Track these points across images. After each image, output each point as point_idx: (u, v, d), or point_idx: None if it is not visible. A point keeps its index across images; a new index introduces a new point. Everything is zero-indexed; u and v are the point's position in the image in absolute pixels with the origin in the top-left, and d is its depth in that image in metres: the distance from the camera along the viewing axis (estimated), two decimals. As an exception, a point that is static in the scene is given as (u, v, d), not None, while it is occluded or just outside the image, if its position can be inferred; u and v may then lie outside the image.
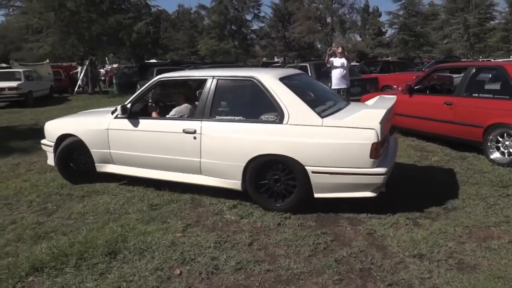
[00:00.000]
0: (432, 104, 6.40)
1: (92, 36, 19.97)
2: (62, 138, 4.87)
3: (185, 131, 4.10)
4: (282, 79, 4.03)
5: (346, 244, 3.23)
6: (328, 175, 3.63)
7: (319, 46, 47.55)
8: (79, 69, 21.54)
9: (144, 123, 4.41)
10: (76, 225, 3.68)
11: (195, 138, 4.05)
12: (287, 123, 3.74)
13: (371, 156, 3.48)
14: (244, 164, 3.86)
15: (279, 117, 3.79)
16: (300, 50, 45.41)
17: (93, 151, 4.66)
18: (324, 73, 10.49)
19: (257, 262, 2.95)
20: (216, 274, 2.83)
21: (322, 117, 3.71)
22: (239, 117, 4.09)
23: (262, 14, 44.17)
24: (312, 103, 3.89)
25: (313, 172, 3.65)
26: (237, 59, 38.27)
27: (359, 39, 47.17)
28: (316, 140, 3.62)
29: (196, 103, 4.56)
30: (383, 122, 3.59)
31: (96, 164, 4.71)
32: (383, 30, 48.50)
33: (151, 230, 3.46)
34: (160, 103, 5.28)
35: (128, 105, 4.47)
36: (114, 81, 21.07)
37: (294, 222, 3.64)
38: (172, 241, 3.27)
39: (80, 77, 21.00)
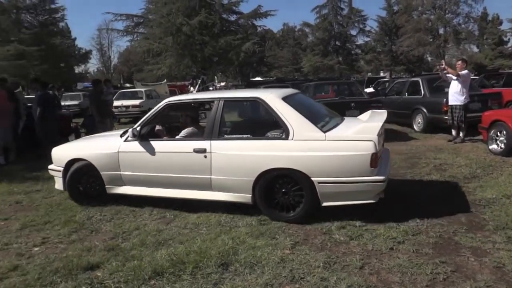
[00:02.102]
0: None
1: (204, 57, 21.52)
2: (70, 162, 5.01)
3: (196, 151, 4.31)
4: (284, 99, 4.31)
5: (469, 277, 2.92)
6: (333, 184, 3.91)
7: (429, 59, 44.79)
8: (191, 88, 23.16)
9: (154, 144, 4.59)
10: (191, 234, 3.91)
11: (205, 156, 4.27)
12: (292, 139, 4.01)
13: (371, 165, 3.78)
14: (254, 179, 4.09)
15: (285, 133, 4.07)
16: (408, 63, 43.27)
17: (104, 173, 4.81)
18: (436, 88, 9.83)
19: (369, 287, 2.82)
20: (326, 295, 2.76)
21: (324, 131, 4.01)
22: (246, 135, 4.41)
23: (367, 28, 43.25)
24: (313, 120, 4.16)
25: (319, 182, 3.91)
26: (341, 74, 37.83)
27: (475, 50, 43.39)
28: (320, 153, 3.92)
29: (201, 123, 4.82)
30: (379, 134, 3.94)
31: (106, 186, 4.87)
32: (505, 39, 43.96)
33: (260, 245, 3.52)
34: (166, 125, 5.45)
35: (138, 128, 4.64)
36: (222, 98, 22.25)
37: (408, 247, 3.40)
38: (281, 257, 3.28)
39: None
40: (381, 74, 40.12)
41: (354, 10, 41.78)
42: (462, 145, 8.06)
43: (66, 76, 34.73)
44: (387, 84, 18.33)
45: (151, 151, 4.58)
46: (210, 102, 4.75)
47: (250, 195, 4.17)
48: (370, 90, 18.05)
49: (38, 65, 27.64)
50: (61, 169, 5.06)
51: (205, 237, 3.78)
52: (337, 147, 3.89)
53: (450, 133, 8.60)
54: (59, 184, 5.20)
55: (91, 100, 9.67)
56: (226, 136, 4.44)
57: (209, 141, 4.33)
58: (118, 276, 3.12)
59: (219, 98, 4.55)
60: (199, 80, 21.69)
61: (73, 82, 36.83)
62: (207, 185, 4.37)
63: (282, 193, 4.09)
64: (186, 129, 4.95)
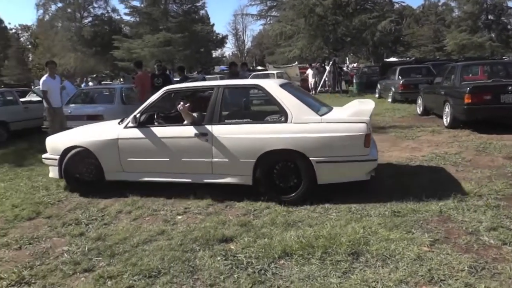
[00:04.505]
0: None
1: (336, 37, 20.99)
2: (67, 151, 5.03)
3: (197, 135, 4.51)
4: (281, 86, 4.64)
5: None
6: (329, 163, 4.20)
7: None
8: (310, 73, 22.57)
9: (155, 130, 4.74)
10: (320, 219, 3.86)
11: (206, 140, 4.48)
12: (291, 122, 4.29)
13: (365, 145, 4.13)
14: (254, 160, 4.32)
15: (284, 117, 4.37)
16: None
17: (103, 160, 4.88)
18: None
19: (527, 302, 2.42)
20: (472, 304, 2.45)
21: (320, 115, 4.34)
22: (246, 120, 4.81)
23: (531, -2, 36.91)
24: (309, 105, 4.48)
25: (317, 162, 4.18)
26: (493, 53, 33.29)
27: None
28: (317, 134, 4.20)
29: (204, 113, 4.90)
30: (370, 117, 4.29)
31: (105, 173, 4.93)
32: None
33: (394, 238, 3.29)
34: (162, 113, 5.40)
35: (138, 115, 4.77)
36: (354, 80, 21.55)
37: None
38: (417, 254, 3.02)
39: (324, 77, 22.29)
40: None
41: (514, -22, 36.03)
42: None
43: (205, 60, 37.49)
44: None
45: (152, 137, 4.71)
46: (210, 89, 4.98)
47: (251, 176, 4.39)
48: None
49: (182, 50, 30.38)
50: (57, 157, 5.12)
51: (334, 222, 3.70)
52: (333, 129, 4.19)
53: None
54: (54, 173, 5.28)
55: None
56: (226, 121, 4.70)
57: (210, 126, 4.54)
58: (249, 251, 3.24)
59: (219, 86, 4.79)
60: (331, 62, 21.29)
61: (210, 66, 39.63)
62: (207, 169, 4.57)
63: (282, 174, 4.34)
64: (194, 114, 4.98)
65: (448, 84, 9.33)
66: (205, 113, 4.85)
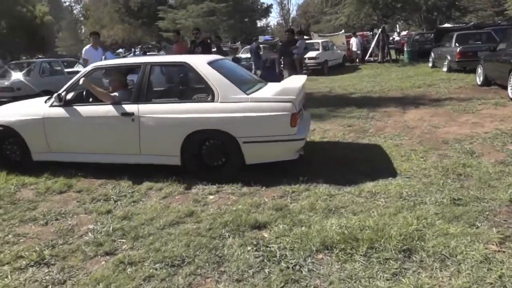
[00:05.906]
0: None
1: (386, 3, 19.63)
2: None
3: (123, 114, 4.34)
4: (210, 63, 4.47)
5: None
6: (256, 143, 4.12)
7: None
8: (353, 43, 21.21)
9: (81, 109, 4.56)
10: (366, 205, 3.41)
11: (133, 120, 4.32)
12: (218, 101, 4.18)
13: (291, 125, 4.03)
14: (181, 141, 4.22)
15: (211, 96, 4.24)
16: None
17: (29, 140, 4.72)
18: None
19: None
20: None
21: (248, 94, 4.22)
22: (174, 98, 4.76)
23: None
24: (237, 83, 4.33)
25: (243, 142, 4.11)
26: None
27: None
28: (244, 114, 4.10)
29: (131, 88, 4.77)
30: (298, 95, 4.20)
31: (32, 154, 4.78)
32: None
33: (455, 232, 2.80)
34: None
35: (63, 93, 4.58)
36: (405, 48, 20.18)
37: None
38: (484, 255, 2.52)
39: (372, 46, 21.09)
40: None
41: None
42: None
43: (249, 30, 36.78)
44: None
45: (78, 116, 4.55)
46: (137, 66, 4.79)
47: (179, 157, 4.29)
48: None
49: (226, 20, 29.87)
50: None
51: (382, 210, 3.25)
52: (259, 108, 4.09)
53: None
54: None
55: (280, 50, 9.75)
56: (153, 99, 4.53)
57: (136, 105, 4.37)
58: (284, 241, 2.88)
59: (146, 63, 4.60)
60: (379, 30, 20.00)
61: (255, 36, 38.87)
62: (135, 149, 4.44)
63: (210, 154, 4.27)
64: (113, 94, 4.69)
65: (515, 50, 8.36)
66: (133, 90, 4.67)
